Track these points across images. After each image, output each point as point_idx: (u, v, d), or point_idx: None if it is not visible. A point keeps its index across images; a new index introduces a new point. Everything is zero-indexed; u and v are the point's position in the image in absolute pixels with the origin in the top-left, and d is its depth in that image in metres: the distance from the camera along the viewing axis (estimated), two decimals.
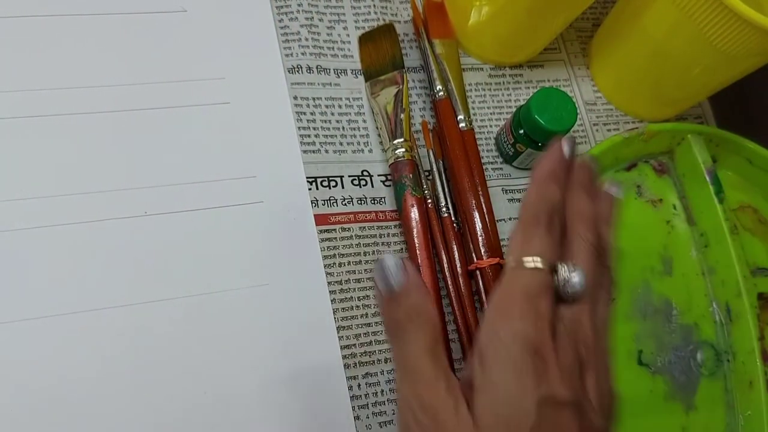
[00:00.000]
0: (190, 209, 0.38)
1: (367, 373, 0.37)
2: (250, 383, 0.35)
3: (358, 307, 0.38)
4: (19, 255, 0.35)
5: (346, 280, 0.39)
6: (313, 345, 0.37)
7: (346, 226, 0.40)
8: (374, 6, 0.46)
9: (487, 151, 0.45)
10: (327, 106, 0.42)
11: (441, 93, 0.43)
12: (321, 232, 0.39)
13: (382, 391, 0.37)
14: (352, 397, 0.37)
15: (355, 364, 0.37)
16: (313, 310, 0.37)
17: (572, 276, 0.28)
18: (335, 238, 0.39)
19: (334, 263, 0.39)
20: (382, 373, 0.38)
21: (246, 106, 0.41)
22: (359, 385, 0.37)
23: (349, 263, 0.39)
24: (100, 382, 0.34)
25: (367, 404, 0.37)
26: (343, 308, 0.38)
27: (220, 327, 0.36)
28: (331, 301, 0.38)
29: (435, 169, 0.41)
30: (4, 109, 0.37)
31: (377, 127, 0.43)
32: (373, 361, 0.38)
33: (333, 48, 0.44)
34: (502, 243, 0.41)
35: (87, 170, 0.37)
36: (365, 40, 0.45)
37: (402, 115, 0.41)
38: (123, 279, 0.35)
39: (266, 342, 0.36)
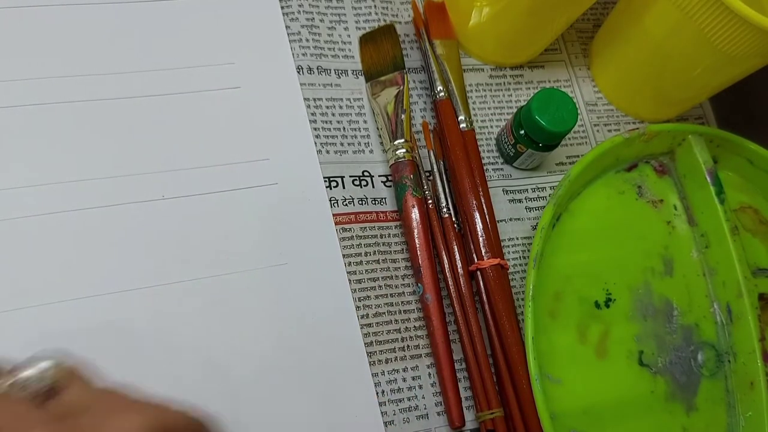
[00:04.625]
0: (207, 192, 0.38)
1: None
2: (270, 361, 0.36)
3: (358, 308, 0.38)
4: (39, 240, 0.35)
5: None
6: (333, 321, 0.37)
7: (347, 226, 0.40)
8: (375, 7, 0.46)
9: (488, 151, 0.45)
10: (328, 107, 0.42)
11: (442, 93, 0.43)
12: None
13: (383, 392, 0.37)
14: None
15: None
16: (331, 286, 0.38)
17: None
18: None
19: None
20: (382, 373, 0.38)
21: (256, 89, 0.41)
22: None
23: (349, 264, 0.39)
24: (120, 366, 0.33)
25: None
26: None
27: (240, 307, 0.36)
28: None
29: (436, 169, 0.41)
30: (23, 97, 0.37)
31: (378, 128, 0.43)
32: (374, 362, 0.38)
33: (334, 48, 0.44)
34: (502, 243, 0.41)
35: (104, 156, 0.37)
36: (366, 40, 0.45)
37: (403, 116, 0.41)
38: (142, 262, 0.36)
39: (286, 320, 0.37)
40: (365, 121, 0.43)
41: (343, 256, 0.39)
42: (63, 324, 0.34)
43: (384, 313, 0.39)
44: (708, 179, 0.43)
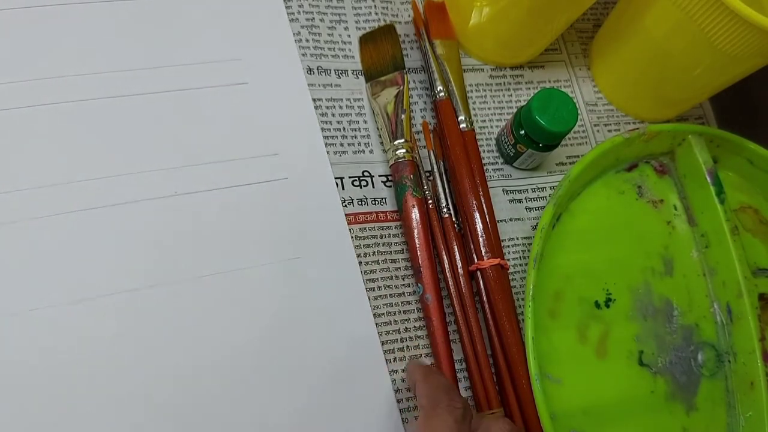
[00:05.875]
0: (218, 188, 0.38)
1: None
2: (286, 356, 0.36)
3: None
4: (54, 239, 0.35)
5: None
6: (347, 314, 0.38)
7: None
8: (375, 6, 0.46)
9: (488, 151, 0.45)
10: (328, 107, 0.42)
11: (442, 93, 0.43)
12: None
13: None
14: None
15: None
16: (345, 279, 0.38)
17: None
18: None
19: None
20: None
21: (263, 85, 0.41)
22: None
23: None
24: (137, 361, 0.34)
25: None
26: None
27: (255, 301, 0.36)
28: None
29: (436, 169, 0.41)
30: (34, 96, 0.37)
31: (378, 128, 0.43)
32: None
33: (334, 49, 0.44)
34: (502, 243, 0.41)
35: (114, 153, 0.37)
36: (366, 40, 0.45)
37: (403, 116, 0.41)
38: (156, 259, 0.36)
39: (301, 314, 0.37)
40: (365, 121, 0.43)
41: None
42: (77, 324, 0.34)
43: (384, 313, 0.39)
44: (708, 179, 0.43)
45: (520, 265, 0.42)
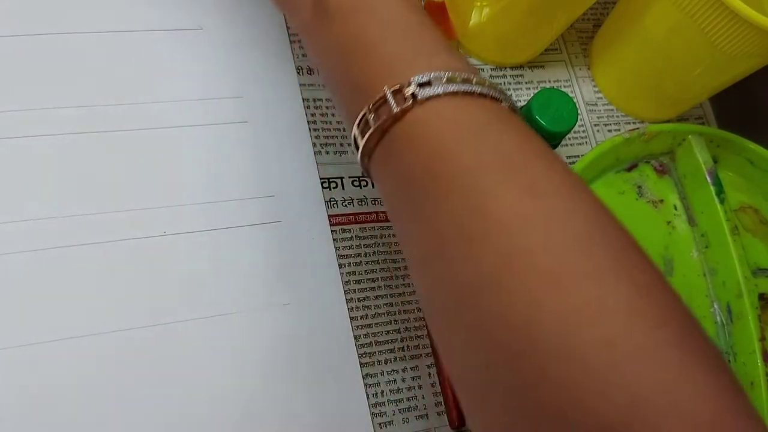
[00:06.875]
0: (210, 229, 0.37)
1: (367, 374, 0.37)
2: (270, 404, 0.35)
3: (358, 308, 0.38)
4: (39, 276, 0.34)
5: (346, 282, 0.39)
6: (334, 364, 0.36)
7: (346, 227, 0.40)
8: None
9: None
10: (327, 107, 0.42)
11: None
12: None
13: (382, 392, 0.37)
14: None
15: None
16: (334, 328, 0.37)
17: None
18: (335, 239, 0.39)
19: None
20: (382, 374, 0.38)
21: (263, 125, 0.40)
22: None
23: (348, 264, 0.39)
24: (120, 406, 0.33)
25: (367, 405, 0.37)
26: None
27: (241, 348, 0.35)
28: None
29: None
30: (22, 128, 0.36)
31: None
32: (373, 362, 0.38)
33: None
34: None
35: (105, 190, 0.36)
36: None
37: None
38: (143, 300, 0.35)
39: (287, 362, 0.36)
40: None
41: (343, 257, 0.39)
42: (59, 363, 0.33)
43: (384, 313, 0.39)
44: (708, 179, 0.42)
45: None
